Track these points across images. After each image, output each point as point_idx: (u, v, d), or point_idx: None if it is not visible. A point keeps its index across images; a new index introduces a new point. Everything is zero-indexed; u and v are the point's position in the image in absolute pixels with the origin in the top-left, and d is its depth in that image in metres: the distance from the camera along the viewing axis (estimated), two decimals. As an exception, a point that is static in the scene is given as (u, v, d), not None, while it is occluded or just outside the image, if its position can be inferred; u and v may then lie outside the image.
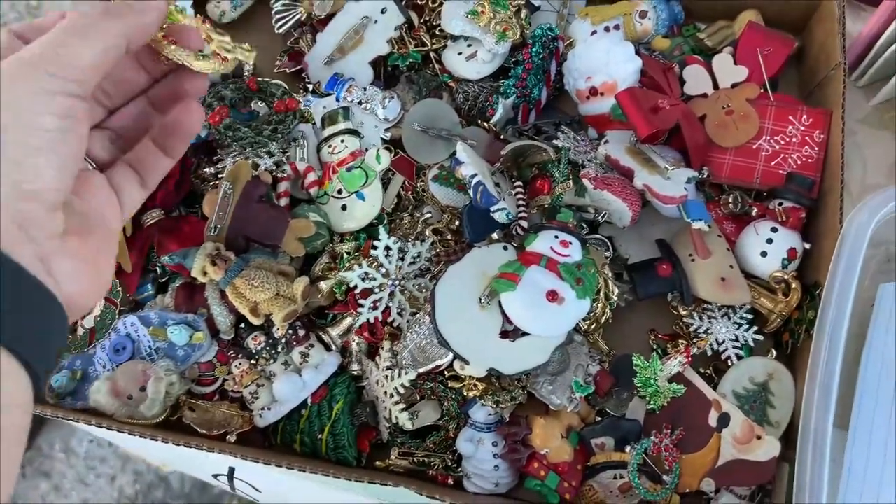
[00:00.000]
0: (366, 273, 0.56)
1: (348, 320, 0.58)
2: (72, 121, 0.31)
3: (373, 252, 0.56)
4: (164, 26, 0.35)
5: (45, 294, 0.30)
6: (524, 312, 0.51)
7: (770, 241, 0.57)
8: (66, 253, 0.31)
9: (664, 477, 0.54)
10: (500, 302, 0.53)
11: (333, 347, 0.58)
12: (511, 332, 0.53)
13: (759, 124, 0.60)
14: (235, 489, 0.62)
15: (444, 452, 0.56)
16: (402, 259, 0.56)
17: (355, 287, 0.56)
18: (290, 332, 0.56)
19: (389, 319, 0.57)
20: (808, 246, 0.58)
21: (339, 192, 0.58)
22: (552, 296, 0.51)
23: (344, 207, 0.58)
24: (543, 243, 0.53)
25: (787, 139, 0.60)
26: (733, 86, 0.62)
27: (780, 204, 0.58)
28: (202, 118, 0.38)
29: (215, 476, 0.62)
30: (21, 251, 0.29)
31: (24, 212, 0.30)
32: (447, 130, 0.62)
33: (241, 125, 0.58)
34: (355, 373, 0.58)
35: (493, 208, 0.57)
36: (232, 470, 0.60)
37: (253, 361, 0.56)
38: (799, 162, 0.60)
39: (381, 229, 0.56)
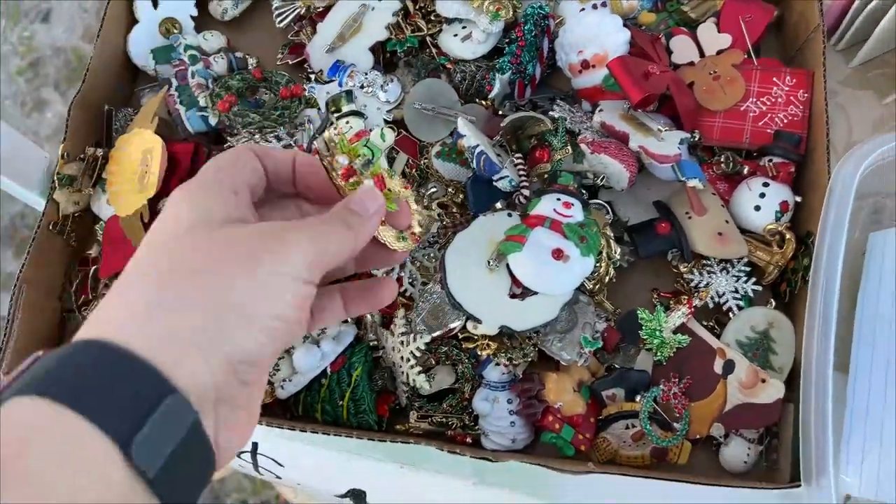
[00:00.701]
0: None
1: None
2: (301, 312, 0.34)
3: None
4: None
5: (209, 459, 0.32)
6: (531, 271, 0.54)
7: (762, 195, 0.60)
8: (235, 425, 0.33)
9: (675, 424, 0.56)
10: (507, 265, 0.55)
11: (349, 320, 0.60)
12: (520, 294, 0.55)
13: (745, 87, 0.63)
14: (259, 466, 0.64)
15: (462, 413, 0.58)
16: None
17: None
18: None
19: (402, 290, 0.59)
20: (799, 199, 0.60)
21: (347, 170, 0.60)
22: (558, 254, 0.53)
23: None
24: (547, 206, 0.56)
25: (773, 100, 0.63)
26: (718, 53, 0.65)
27: (770, 160, 0.61)
28: (394, 293, 0.41)
29: (239, 454, 0.64)
30: (207, 420, 0.31)
31: (233, 380, 0.33)
32: (447, 108, 0.64)
33: (250, 111, 0.60)
34: (372, 343, 0.60)
35: (496, 176, 0.59)
36: (255, 445, 0.62)
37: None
38: (785, 120, 0.62)
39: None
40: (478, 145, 0.58)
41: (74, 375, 0.28)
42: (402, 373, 0.57)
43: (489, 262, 0.55)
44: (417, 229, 0.42)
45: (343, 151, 0.41)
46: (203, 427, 0.31)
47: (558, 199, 0.56)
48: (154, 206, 0.61)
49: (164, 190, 0.59)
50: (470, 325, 0.55)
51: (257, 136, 0.62)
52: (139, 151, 0.59)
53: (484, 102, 0.66)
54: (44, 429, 0.27)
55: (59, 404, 0.27)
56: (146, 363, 0.30)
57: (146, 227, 0.61)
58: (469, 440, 0.57)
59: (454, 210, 0.62)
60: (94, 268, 0.63)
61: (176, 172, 0.59)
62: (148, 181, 0.58)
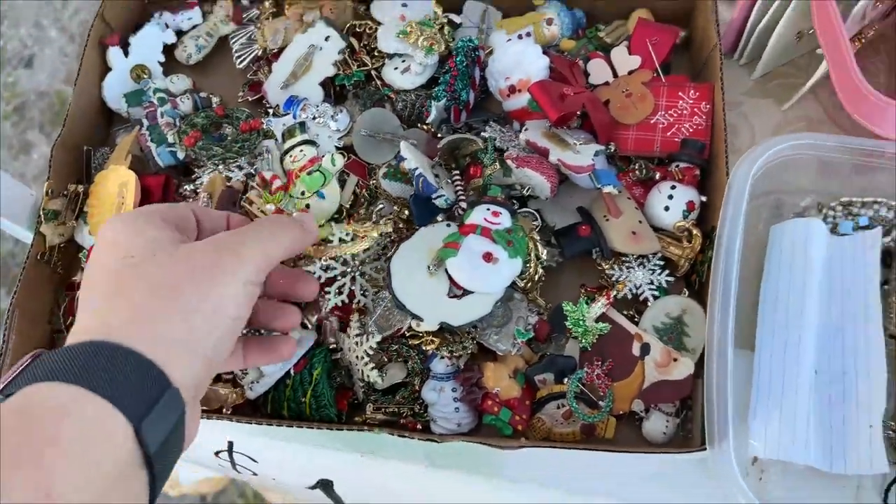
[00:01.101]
0: (326, 265, 0.65)
1: (322, 302, 0.67)
2: (249, 311, 0.43)
3: (329, 245, 0.65)
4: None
5: (181, 446, 0.41)
6: (465, 273, 0.61)
7: (671, 196, 0.67)
8: (194, 418, 0.42)
9: (600, 402, 0.63)
10: (446, 269, 0.62)
11: (310, 326, 0.67)
12: (459, 294, 0.63)
13: (654, 102, 0.71)
14: (236, 464, 0.71)
15: (413, 404, 0.65)
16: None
17: (319, 277, 0.65)
18: (271, 314, 0.65)
19: (355, 301, 0.66)
20: (704, 198, 0.68)
21: (303, 193, 0.68)
22: (487, 257, 0.61)
23: (307, 206, 0.68)
24: (478, 215, 0.63)
25: (679, 112, 0.71)
26: (630, 73, 0.73)
27: (677, 166, 0.69)
28: (293, 350, 0.53)
29: (217, 454, 0.70)
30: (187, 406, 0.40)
31: (204, 383, 0.42)
32: (391, 133, 0.72)
33: (213, 145, 0.68)
34: (331, 346, 0.67)
35: (433, 196, 0.67)
36: (231, 444, 0.68)
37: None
38: (691, 130, 0.70)
39: (333, 225, 0.65)
40: (417, 168, 0.65)
41: (97, 369, 0.36)
42: (358, 370, 0.64)
43: (429, 267, 0.62)
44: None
45: (268, 202, 0.51)
46: (185, 417, 0.39)
47: (488, 209, 0.64)
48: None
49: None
50: (414, 324, 0.62)
51: (221, 167, 0.69)
52: (115, 185, 0.66)
53: (424, 127, 0.73)
54: (77, 406, 0.35)
55: (88, 390, 0.35)
56: (152, 362, 0.38)
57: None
58: (419, 426, 0.64)
59: (401, 225, 0.70)
60: (79, 292, 0.69)
61: (148, 202, 0.66)
62: (124, 211, 0.65)
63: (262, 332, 0.60)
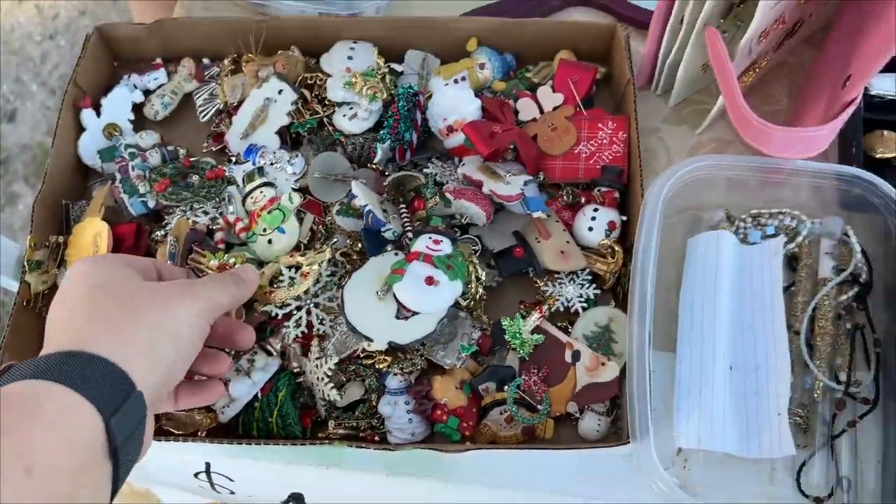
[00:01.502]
0: (281, 303, 0.72)
1: (284, 331, 0.73)
2: (200, 340, 0.52)
3: (282, 283, 0.72)
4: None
5: (140, 450, 0.47)
6: (410, 296, 0.68)
7: (594, 218, 0.75)
8: (149, 430, 0.49)
9: (538, 406, 0.70)
10: (394, 293, 0.69)
11: (274, 353, 0.73)
12: (406, 316, 0.70)
13: (576, 134, 0.79)
14: (215, 484, 0.77)
15: (371, 418, 0.71)
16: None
17: (277, 315, 0.72)
18: (239, 345, 0.72)
19: (315, 330, 0.73)
20: (624, 218, 0.75)
21: (264, 230, 0.75)
22: (429, 280, 0.68)
23: (270, 241, 0.75)
24: (421, 243, 0.70)
25: (600, 142, 0.79)
26: (555, 109, 0.81)
27: (599, 190, 0.76)
28: (220, 394, 0.60)
29: (196, 475, 0.76)
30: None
31: (161, 396, 0.49)
32: (342, 174, 0.79)
33: (182, 191, 0.75)
34: (295, 370, 0.73)
35: (382, 228, 0.74)
36: (208, 465, 0.75)
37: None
38: (610, 157, 0.78)
39: (282, 267, 0.72)
40: (367, 204, 0.73)
41: (72, 371, 0.43)
42: (319, 390, 0.71)
43: (378, 293, 0.69)
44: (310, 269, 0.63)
45: (210, 259, 0.61)
46: (146, 421, 0.46)
47: (430, 238, 0.71)
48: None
49: (115, 263, 0.74)
50: (366, 344, 0.69)
51: (189, 213, 0.76)
52: (91, 235, 0.73)
53: (373, 167, 0.81)
54: (56, 396, 0.41)
55: (65, 386, 0.42)
56: (120, 368, 0.45)
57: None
58: (377, 438, 0.71)
59: (354, 257, 0.77)
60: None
61: (122, 250, 0.73)
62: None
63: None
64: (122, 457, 0.43)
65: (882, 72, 0.80)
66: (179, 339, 0.50)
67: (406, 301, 0.68)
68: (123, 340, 0.46)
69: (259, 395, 0.71)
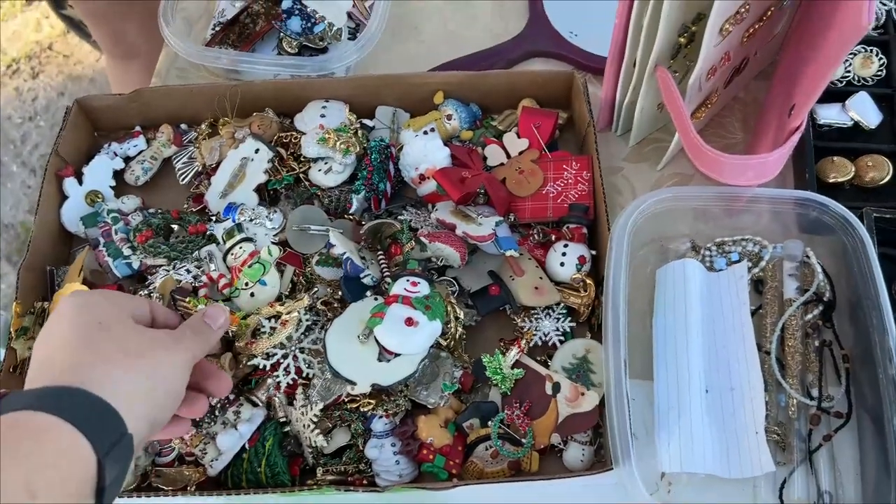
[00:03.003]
0: (266, 353, 0.73)
1: (269, 381, 0.74)
2: (184, 389, 0.55)
3: (263, 334, 0.74)
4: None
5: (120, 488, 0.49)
6: (391, 338, 0.70)
7: (564, 253, 0.77)
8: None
9: (522, 440, 0.71)
10: (374, 336, 0.71)
11: (260, 404, 0.74)
12: (388, 359, 0.71)
13: (543, 176, 0.82)
14: (204, 541, 0.76)
15: (358, 462, 0.72)
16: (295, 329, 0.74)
17: (265, 367, 0.73)
18: (224, 398, 0.73)
19: (304, 374, 0.74)
20: (594, 252, 0.78)
21: (246, 284, 0.77)
22: (409, 321, 0.70)
23: (252, 294, 0.77)
24: (399, 286, 0.73)
25: (566, 181, 0.82)
26: (521, 153, 0.85)
27: (567, 227, 0.79)
28: (185, 430, 0.63)
29: (186, 533, 0.76)
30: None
31: (144, 441, 0.52)
32: (320, 226, 0.82)
33: (162, 244, 0.77)
34: (282, 420, 0.74)
35: (361, 275, 0.76)
36: (197, 521, 0.75)
37: (197, 427, 0.73)
38: (576, 195, 0.81)
39: (262, 318, 0.74)
40: (345, 252, 0.75)
41: (71, 407, 0.45)
42: (306, 437, 0.72)
43: (359, 337, 0.71)
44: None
45: (196, 305, 0.65)
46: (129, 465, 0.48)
47: (407, 280, 0.73)
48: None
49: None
50: (349, 388, 0.70)
51: (171, 272, 0.78)
52: (72, 299, 0.75)
53: (350, 217, 0.84)
54: (56, 430, 0.43)
55: (64, 421, 0.44)
56: (117, 411, 0.46)
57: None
58: (365, 482, 0.71)
59: (335, 305, 0.79)
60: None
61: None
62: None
63: None
64: (106, 497, 0.44)
65: (827, 102, 0.86)
66: (171, 388, 0.53)
67: (387, 343, 0.70)
68: (123, 385, 0.48)
69: (247, 446, 0.72)
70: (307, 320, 0.75)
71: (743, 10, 0.68)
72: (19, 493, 0.39)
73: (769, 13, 0.75)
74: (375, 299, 0.75)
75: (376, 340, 0.71)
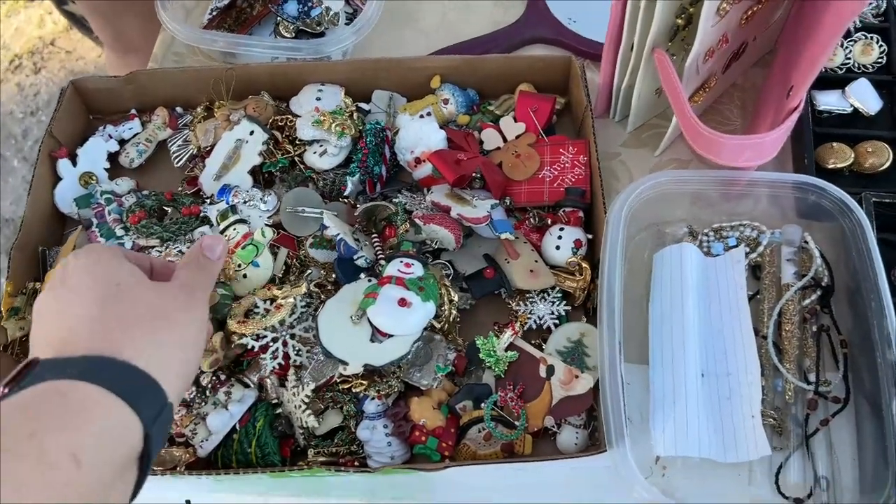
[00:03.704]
0: (257, 335, 0.72)
1: (263, 363, 0.74)
2: (206, 328, 0.57)
3: (257, 314, 0.73)
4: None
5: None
6: (384, 318, 0.69)
7: (560, 237, 0.77)
8: None
9: (515, 423, 0.70)
10: (367, 317, 0.70)
11: (251, 385, 0.74)
12: (381, 340, 0.70)
13: (539, 160, 0.82)
14: (195, 524, 0.76)
15: (350, 444, 0.71)
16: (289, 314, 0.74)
17: (253, 347, 0.72)
18: (214, 377, 0.72)
19: (291, 361, 0.73)
20: (590, 236, 0.78)
21: (239, 265, 0.76)
22: (402, 302, 0.69)
23: (245, 276, 0.76)
24: (392, 267, 0.72)
25: (562, 166, 0.81)
26: (517, 137, 0.84)
27: (564, 210, 0.79)
28: None
29: (177, 515, 0.75)
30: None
31: (181, 395, 0.53)
32: (314, 208, 0.81)
33: (155, 224, 0.77)
34: (273, 401, 0.73)
35: (355, 256, 0.75)
36: (188, 502, 0.74)
37: (188, 407, 0.72)
38: (573, 179, 0.81)
39: (257, 299, 0.73)
40: (338, 234, 0.75)
41: (116, 379, 0.45)
42: (297, 418, 0.71)
43: (352, 317, 0.70)
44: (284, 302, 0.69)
45: None
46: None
47: (401, 262, 0.72)
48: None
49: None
50: (342, 368, 0.70)
51: (163, 251, 0.78)
52: (63, 277, 0.74)
53: (345, 200, 0.83)
54: (105, 401, 0.43)
55: (112, 393, 0.43)
56: (156, 382, 0.47)
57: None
58: (357, 463, 0.70)
59: (329, 287, 0.78)
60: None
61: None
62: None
63: None
64: (145, 466, 0.44)
65: (827, 88, 0.85)
66: (197, 342, 0.54)
67: (380, 324, 0.69)
68: (156, 352, 0.48)
69: (237, 426, 0.71)
70: (302, 307, 0.74)
71: (741, -11, 0.68)
72: (63, 456, 0.39)
73: (768, -5, 0.74)
74: (369, 280, 0.74)
75: (369, 321, 0.70)
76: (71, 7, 2.14)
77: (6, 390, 0.43)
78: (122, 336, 0.48)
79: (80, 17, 2.13)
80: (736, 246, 0.78)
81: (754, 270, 0.78)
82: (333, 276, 0.78)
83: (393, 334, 0.70)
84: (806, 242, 0.77)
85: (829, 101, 0.85)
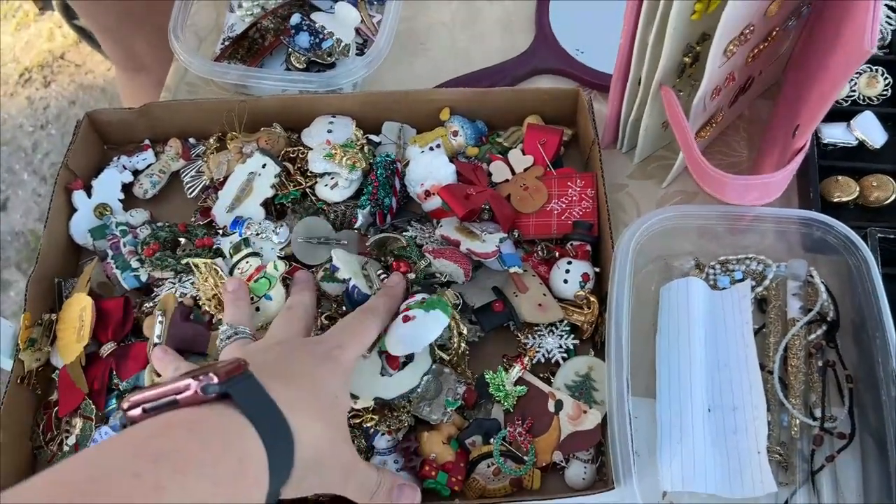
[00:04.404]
0: None
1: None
2: None
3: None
4: None
5: None
6: (395, 340, 0.69)
7: (568, 270, 0.78)
8: None
9: (524, 458, 0.71)
10: (377, 352, 0.71)
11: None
12: (391, 374, 0.72)
13: (547, 193, 0.83)
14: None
15: (361, 478, 0.72)
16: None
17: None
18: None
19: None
20: (597, 269, 0.79)
21: (252, 299, 0.77)
22: (405, 319, 0.70)
23: (257, 309, 0.77)
24: (402, 306, 0.73)
25: (570, 199, 0.82)
26: (525, 170, 0.85)
27: (571, 244, 0.80)
28: None
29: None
30: None
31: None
32: (325, 237, 0.83)
33: (169, 257, 0.78)
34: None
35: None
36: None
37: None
38: (581, 213, 0.82)
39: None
40: (349, 278, 0.75)
41: (273, 435, 0.47)
42: (309, 452, 0.72)
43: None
44: None
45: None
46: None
47: (405, 296, 0.74)
48: (96, 353, 0.77)
49: (102, 337, 0.76)
50: (352, 403, 0.71)
51: (177, 284, 0.79)
52: (77, 310, 0.76)
53: (355, 230, 0.84)
54: (257, 455, 0.45)
55: (259, 436, 0.46)
56: (290, 427, 0.49)
57: (92, 369, 0.76)
58: (368, 497, 0.71)
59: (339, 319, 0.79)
60: (55, 409, 0.77)
61: (110, 323, 0.76)
62: (83, 333, 0.75)
63: None
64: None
65: (832, 121, 0.86)
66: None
67: (396, 349, 0.70)
68: (307, 419, 0.52)
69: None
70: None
71: (748, 31, 0.69)
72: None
73: (774, 34, 0.75)
74: None
75: (379, 354, 0.71)
76: (80, 22, 2.16)
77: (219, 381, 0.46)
78: (286, 390, 0.53)
79: (89, 31, 2.15)
80: (742, 279, 0.79)
81: (760, 304, 0.79)
82: (343, 308, 0.79)
83: (413, 350, 0.70)
84: (811, 277, 0.77)
85: (835, 133, 0.86)
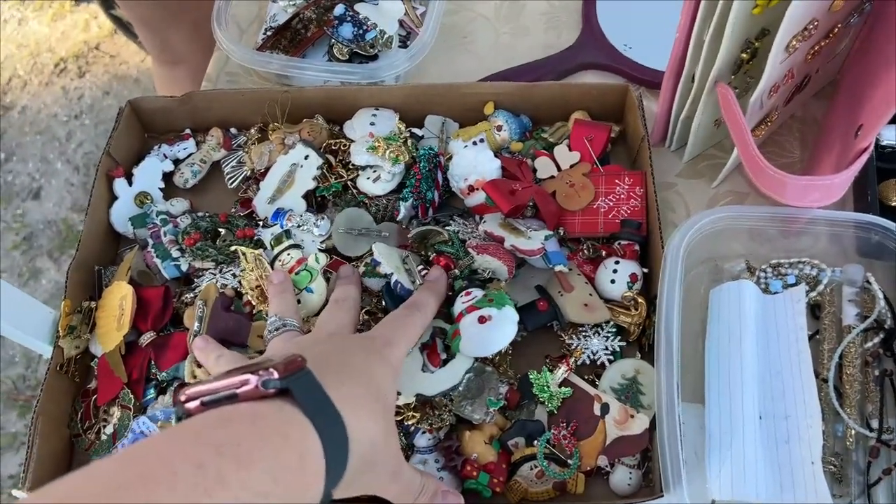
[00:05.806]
0: None
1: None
2: None
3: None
4: None
5: None
6: (474, 344, 0.69)
7: (615, 270, 0.76)
8: None
9: (568, 461, 0.69)
10: (419, 349, 0.70)
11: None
12: (432, 371, 0.70)
13: (594, 190, 0.81)
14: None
15: (400, 476, 0.71)
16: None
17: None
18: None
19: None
20: (646, 270, 0.76)
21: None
22: (482, 319, 0.69)
23: (298, 301, 0.76)
24: (458, 306, 0.72)
25: (618, 197, 0.80)
26: (572, 166, 0.83)
27: (619, 243, 0.78)
28: None
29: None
30: None
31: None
32: (365, 228, 0.81)
33: (210, 247, 0.77)
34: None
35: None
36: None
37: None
38: (628, 211, 0.80)
39: (312, 328, 0.73)
40: (392, 273, 0.74)
41: (328, 433, 0.46)
42: (348, 448, 0.71)
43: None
44: None
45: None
46: None
47: (459, 297, 0.72)
48: (136, 342, 0.76)
49: (142, 326, 0.76)
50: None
51: (218, 275, 0.78)
52: (117, 299, 0.75)
53: (398, 223, 0.83)
54: (316, 459, 0.44)
55: (317, 433, 0.45)
56: (345, 425, 0.47)
57: (131, 358, 0.75)
58: (408, 497, 0.70)
59: (379, 315, 0.78)
60: (93, 398, 0.77)
61: (150, 312, 0.75)
62: (123, 321, 0.74)
63: None
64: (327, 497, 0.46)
65: (891, 122, 0.83)
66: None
67: (473, 351, 0.69)
68: (361, 417, 0.51)
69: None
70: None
71: (811, 26, 0.66)
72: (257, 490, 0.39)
73: (835, 31, 0.73)
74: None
75: (420, 350, 0.70)
76: (118, 11, 2.17)
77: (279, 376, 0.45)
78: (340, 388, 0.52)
79: (126, 21, 2.16)
80: (795, 284, 0.77)
81: (813, 310, 0.77)
82: (383, 302, 0.78)
83: (488, 354, 0.70)
84: (868, 283, 0.75)
85: (893, 135, 0.83)
